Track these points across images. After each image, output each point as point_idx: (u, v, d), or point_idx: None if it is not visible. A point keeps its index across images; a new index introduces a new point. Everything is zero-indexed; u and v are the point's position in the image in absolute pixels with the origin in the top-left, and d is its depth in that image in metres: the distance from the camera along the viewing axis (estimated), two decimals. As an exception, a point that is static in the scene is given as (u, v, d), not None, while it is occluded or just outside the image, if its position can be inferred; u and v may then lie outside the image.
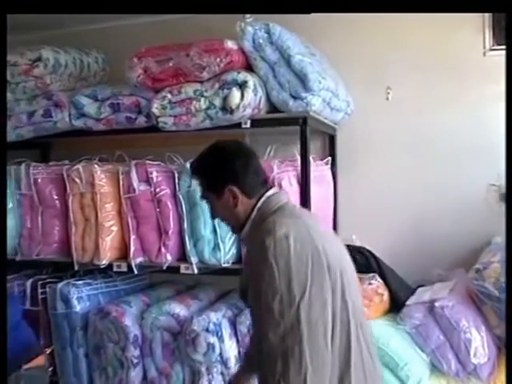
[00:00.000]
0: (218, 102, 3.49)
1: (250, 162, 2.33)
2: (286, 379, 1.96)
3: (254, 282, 2.11)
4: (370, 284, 3.68)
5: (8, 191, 4.08)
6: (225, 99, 3.46)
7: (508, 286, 2.11)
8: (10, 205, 4.10)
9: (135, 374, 3.73)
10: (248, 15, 3.52)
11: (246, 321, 3.58)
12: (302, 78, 3.42)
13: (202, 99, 3.52)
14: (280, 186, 3.43)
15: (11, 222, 4.10)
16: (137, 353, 3.73)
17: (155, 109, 3.60)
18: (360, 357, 2.17)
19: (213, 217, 2.49)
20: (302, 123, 3.47)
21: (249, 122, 3.55)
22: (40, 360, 3.36)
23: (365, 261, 3.84)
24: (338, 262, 2.18)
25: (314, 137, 3.81)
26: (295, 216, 2.27)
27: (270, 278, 2.02)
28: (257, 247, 2.12)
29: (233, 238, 3.64)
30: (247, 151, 2.39)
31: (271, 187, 2.39)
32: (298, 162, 3.56)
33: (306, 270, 2.04)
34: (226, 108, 3.46)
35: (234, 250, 3.67)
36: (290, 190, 3.48)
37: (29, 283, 4.01)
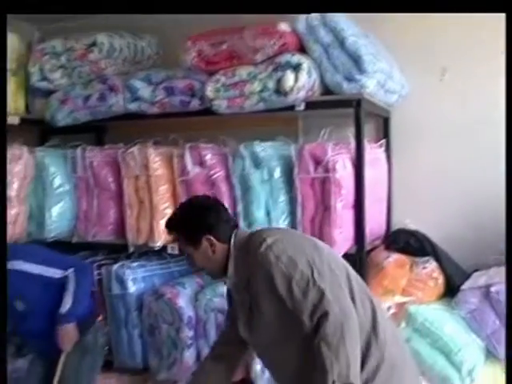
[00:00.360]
0: (271, 84, 3.48)
1: (221, 213, 2.60)
2: (326, 341, 2.14)
3: (268, 287, 2.33)
4: (425, 268, 3.64)
5: (64, 174, 4.16)
6: (279, 82, 3.45)
7: (508, 285, 2.16)
8: (66, 187, 4.18)
9: (189, 355, 3.77)
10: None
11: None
12: (356, 60, 3.39)
13: (256, 82, 3.52)
14: (334, 169, 3.41)
15: (67, 204, 4.18)
16: (191, 334, 3.77)
17: (209, 92, 3.62)
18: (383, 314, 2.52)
19: (192, 267, 2.77)
20: (356, 105, 3.44)
21: (302, 104, 3.53)
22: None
23: (419, 244, 3.80)
24: (330, 249, 2.56)
25: (367, 119, 3.76)
26: (275, 228, 2.77)
27: (279, 273, 2.29)
28: (254, 263, 2.38)
29: (287, 221, 3.64)
30: (217, 204, 2.70)
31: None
32: (353, 145, 3.54)
33: (303, 252, 2.34)
34: (279, 90, 3.45)
35: (286, 233, 3.65)
36: (344, 173, 3.46)
37: (85, 265, 4.06)
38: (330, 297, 2.20)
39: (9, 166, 3.82)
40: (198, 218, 2.55)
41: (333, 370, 2.09)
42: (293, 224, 3.62)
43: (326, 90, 3.59)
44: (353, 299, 2.33)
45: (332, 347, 2.12)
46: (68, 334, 3.25)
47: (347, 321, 2.17)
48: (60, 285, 3.26)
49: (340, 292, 2.27)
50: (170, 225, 2.66)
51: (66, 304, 3.22)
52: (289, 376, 2.46)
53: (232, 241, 2.53)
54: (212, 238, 2.51)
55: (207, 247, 2.52)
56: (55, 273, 3.25)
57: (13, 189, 3.93)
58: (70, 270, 3.26)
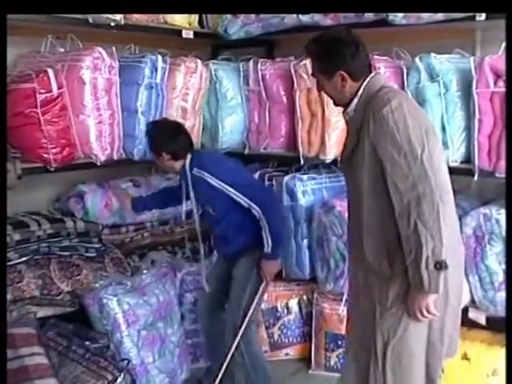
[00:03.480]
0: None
1: (358, 49, 2.58)
2: (421, 218, 2.33)
3: (375, 146, 2.44)
4: None
5: (237, 87, 4.26)
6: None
7: (508, 284, 2.10)
8: (238, 100, 4.28)
9: (358, 269, 3.81)
10: None
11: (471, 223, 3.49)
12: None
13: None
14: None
15: (239, 116, 4.30)
16: (359, 247, 3.79)
17: (385, 1, 3.52)
18: None
19: (319, 90, 2.78)
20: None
21: (484, 14, 3.36)
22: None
23: None
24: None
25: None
26: (401, 92, 2.89)
27: (393, 139, 2.39)
28: (373, 118, 2.46)
29: (462, 136, 3.53)
30: (357, 39, 2.60)
31: (372, 71, 2.68)
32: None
33: (420, 128, 2.40)
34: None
35: (462, 149, 3.55)
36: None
37: (256, 176, 4.17)
38: (432, 181, 2.31)
39: (184, 79, 3.96)
40: (335, 52, 2.58)
41: (427, 246, 2.30)
42: (468, 140, 3.51)
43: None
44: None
45: (428, 226, 2.30)
46: (271, 268, 3.44)
47: (445, 203, 2.32)
48: (247, 209, 3.35)
49: (445, 181, 2.39)
50: (309, 50, 2.70)
51: (268, 244, 3.34)
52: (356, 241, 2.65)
53: (365, 83, 2.59)
54: (345, 74, 2.56)
55: (338, 81, 2.59)
56: (243, 200, 3.31)
57: (188, 101, 4.05)
58: (258, 210, 3.31)
